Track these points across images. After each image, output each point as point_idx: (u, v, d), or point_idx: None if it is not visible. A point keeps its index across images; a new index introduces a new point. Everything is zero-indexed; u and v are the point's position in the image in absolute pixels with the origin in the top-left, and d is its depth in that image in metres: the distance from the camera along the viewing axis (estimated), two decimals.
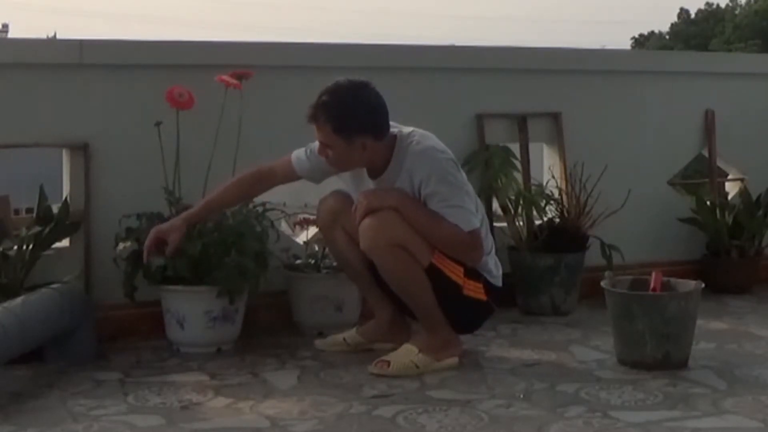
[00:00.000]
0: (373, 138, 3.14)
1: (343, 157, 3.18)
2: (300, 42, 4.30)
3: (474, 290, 3.24)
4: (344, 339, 3.49)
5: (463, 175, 3.26)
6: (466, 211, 3.14)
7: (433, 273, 3.16)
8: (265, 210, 3.65)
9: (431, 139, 3.21)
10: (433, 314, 3.23)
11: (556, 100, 4.50)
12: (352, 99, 3.11)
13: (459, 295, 3.21)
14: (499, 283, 3.32)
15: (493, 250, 3.34)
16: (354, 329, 3.52)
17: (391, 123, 3.22)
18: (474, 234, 3.15)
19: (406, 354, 3.20)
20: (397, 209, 3.11)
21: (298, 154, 3.37)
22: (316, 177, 3.40)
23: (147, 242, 3.29)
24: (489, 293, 3.28)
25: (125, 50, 3.84)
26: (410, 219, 3.12)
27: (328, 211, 3.42)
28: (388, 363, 3.17)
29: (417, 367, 3.17)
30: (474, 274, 3.23)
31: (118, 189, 3.69)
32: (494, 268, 3.31)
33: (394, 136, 3.19)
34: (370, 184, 3.25)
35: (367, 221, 3.13)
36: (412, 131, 3.21)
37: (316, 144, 3.22)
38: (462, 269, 3.20)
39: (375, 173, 3.23)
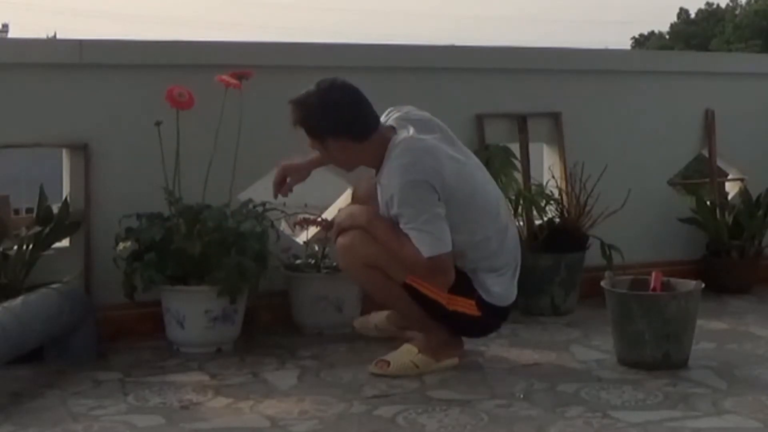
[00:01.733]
0: (350, 139, 3.09)
1: (327, 158, 3.24)
2: (300, 42, 4.30)
3: (464, 306, 3.15)
4: (375, 325, 3.51)
5: (440, 195, 3.01)
6: (428, 234, 2.98)
7: (411, 292, 3.14)
8: (265, 210, 3.65)
9: (411, 154, 3.03)
10: (424, 321, 3.22)
11: (556, 100, 4.50)
12: (321, 103, 3.08)
13: (444, 311, 3.15)
14: (499, 302, 3.19)
15: (508, 271, 3.22)
16: (385, 316, 3.49)
17: (412, 116, 3.18)
18: (433, 260, 2.98)
19: (406, 354, 3.20)
20: (365, 229, 3.11)
21: None
22: None
23: (275, 179, 3.41)
24: (484, 310, 3.17)
25: (125, 50, 3.84)
26: (377, 239, 3.09)
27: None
28: (388, 363, 3.17)
29: (417, 367, 3.17)
30: (464, 290, 3.14)
31: (118, 189, 3.69)
32: (495, 286, 3.17)
33: (387, 138, 3.10)
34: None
35: (340, 241, 3.16)
36: (404, 139, 3.08)
37: None
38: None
39: (376, 171, 3.18)
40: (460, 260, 3.12)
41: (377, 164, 3.14)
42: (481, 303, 3.16)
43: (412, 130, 3.13)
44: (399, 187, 3.00)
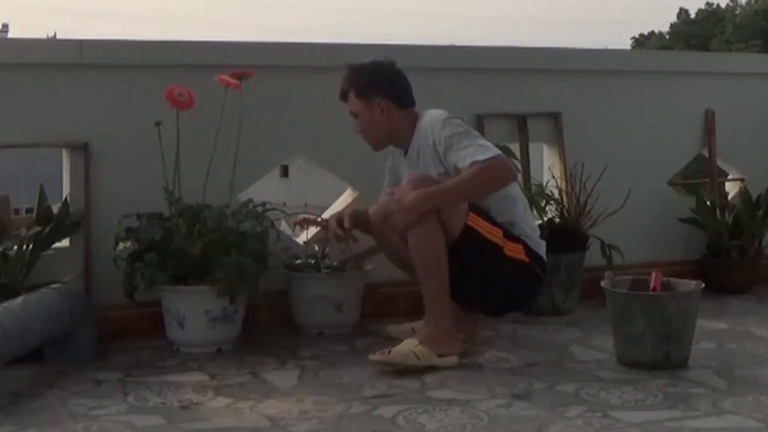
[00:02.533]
0: (393, 102, 3.41)
1: (368, 122, 3.43)
2: (300, 42, 4.30)
3: (515, 251, 3.30)
4: (412, 328, 3.56)
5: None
6: (479, 146, 3.23)
7: (470, 235, 3.21)
8: (265, 210, 3.65)
9: (443, 110, 3.41)
10: (441, 300, 3.25)
11: (556, 100, 4.50)
12: (370, 66, 3.47)
13: (502, 256, 3.27)
14: (539, 250, 3.39)
15: (533, 222, 3.46)
16: (422, 320, 3.52)
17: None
18: (494, 159, 3.19)
19: (407, 345, 3.23)
20: (417, 203, 3.15)
21: (386, 181, 3.65)
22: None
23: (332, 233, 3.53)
24: (531, 256, 3.34)
25: (125, 50, 3.84)
26: (444, 203, 3.19)
27: (378, 212, 3.45)
28: (389, 351, 3.20)
29: (417, 357, 3.18)
30: (512, 236, 3.32)
31: (118, 189, 3.69)
32: (532, 232, 3.40)
33: (417, 114, 3.44)
34: (406, 164, 3.46)
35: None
36: (430, 110, 3.43)
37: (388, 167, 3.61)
38: (501, 231, 3.28)
39: (405, 150, 3.46)
40: (496, 215, 3.33)
41: (406, 139, 3.43)
42: (527, 248, 3.35)
43: None
44: (442, 125, 3.31)
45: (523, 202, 3.47)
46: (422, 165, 3.38)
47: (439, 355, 3.22)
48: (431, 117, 3.37)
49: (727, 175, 5.12)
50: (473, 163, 3.17)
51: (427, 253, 3.21)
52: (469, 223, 3.22)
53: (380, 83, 3.42)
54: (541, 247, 3.41)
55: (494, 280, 3.31)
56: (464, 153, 3.21)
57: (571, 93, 4.55)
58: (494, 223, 3.30)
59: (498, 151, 3.24)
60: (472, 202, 3.27)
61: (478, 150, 3.20)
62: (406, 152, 3.47)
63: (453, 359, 3.26)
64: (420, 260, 3.23)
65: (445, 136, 3.27)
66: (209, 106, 3.60)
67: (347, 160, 4.08)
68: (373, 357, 3.19)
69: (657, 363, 3.17)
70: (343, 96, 3.46)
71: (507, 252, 3.28)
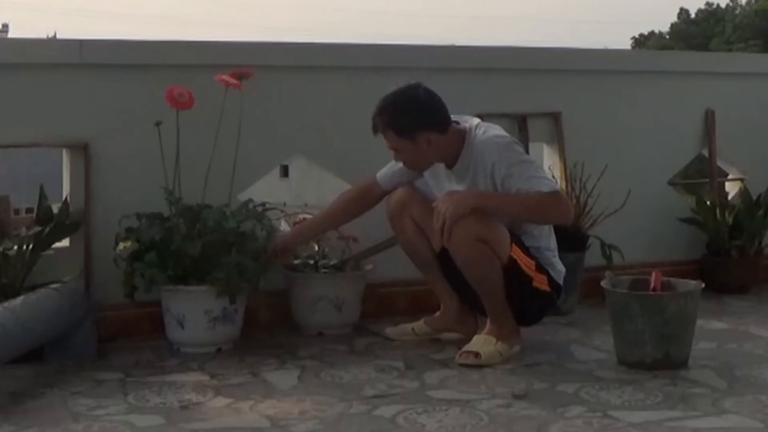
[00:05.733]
0: (436, 132, 3.29)
1: (414, 157, 3.35)
2: (300, 42, 4.30)
3: (540, 282, 3.38)
4: (413, 329, 3.64)
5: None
6: (542, 178, 3.26)
7: (511, 265, 3.29)
8: (265, 210, 3.65)
9: (495, 129, 3.39)
10: (503, 305, 3.36)
11: (556, 100, 4.50)
12: (404, 101, 3.29)
13: (529, 287, 3.36)
14: (560, 280, 3.46)
15: (557, 256, 3.47)
16: (422, 320, 3.64)
17: (462, 118, 3.41)
18: (557, 193, 3.28)
19: (488, 344, 3.31)
20: (477, 208, 3.18)
21: (381, 172, 3.57)
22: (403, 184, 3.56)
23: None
24: (552, 286, 3.42)
25: (125, 50, 3.84)
26: (495, 209, 3.24)
27: (397, 202, 3.51)
28: (476, 354, 3.27)
29: (501, 354, 3.30)
30: (540, 268, 3.39)
31: (118, 189, 3.69)
32: (557, 264, 3.46)
33: (463, 129, 3.35)
34: (448, 175, 3.39)
35: (454, 228, 3.18)
36: (479, 123, 3.39)
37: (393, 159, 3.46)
38: (533, 263, 3.35)
39: (450, 164, 3.38)
40: (526, 238, 3.39)
41: (453, 156, 3.35)
42: (550, 278, 3.41)
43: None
44: (501, 151, 3.27)
45: (550, 228, 3.50)
46: (469, 180, 3.35)
47: (511, 347, 3.36)
48: (490, 137, 3.31)
49: (727, 175, 5.12)
50: (537, 193, 3.20)
51: (482, 273, 3.29)
52: (513, 255, 3.30)
53: (422, 120, 3.28)
54: (561, 277, 3.46)
55: (515, 306, 3.38)
56: (530, 183, 3.20)
57: (571, 93, 4.55)
58: (529, 254, 3.36)
59: (555, 186, 3.32)
60: (513, 224, 3.34)
61: (542, 182, 3.23)
62: (449, 164, 3.39)
63: (517, 348, 3.39)
64: (476, 281, 3.33)
65: (508, 163, 3.24)
66: (209, 106, 3.60)
67: (347, 159, 4.08)
68: (462, 361, 3.27)
69: (657, 363, 3.17)
70: (377, 131, 3.33)
71: (534, 284, 3.37)
